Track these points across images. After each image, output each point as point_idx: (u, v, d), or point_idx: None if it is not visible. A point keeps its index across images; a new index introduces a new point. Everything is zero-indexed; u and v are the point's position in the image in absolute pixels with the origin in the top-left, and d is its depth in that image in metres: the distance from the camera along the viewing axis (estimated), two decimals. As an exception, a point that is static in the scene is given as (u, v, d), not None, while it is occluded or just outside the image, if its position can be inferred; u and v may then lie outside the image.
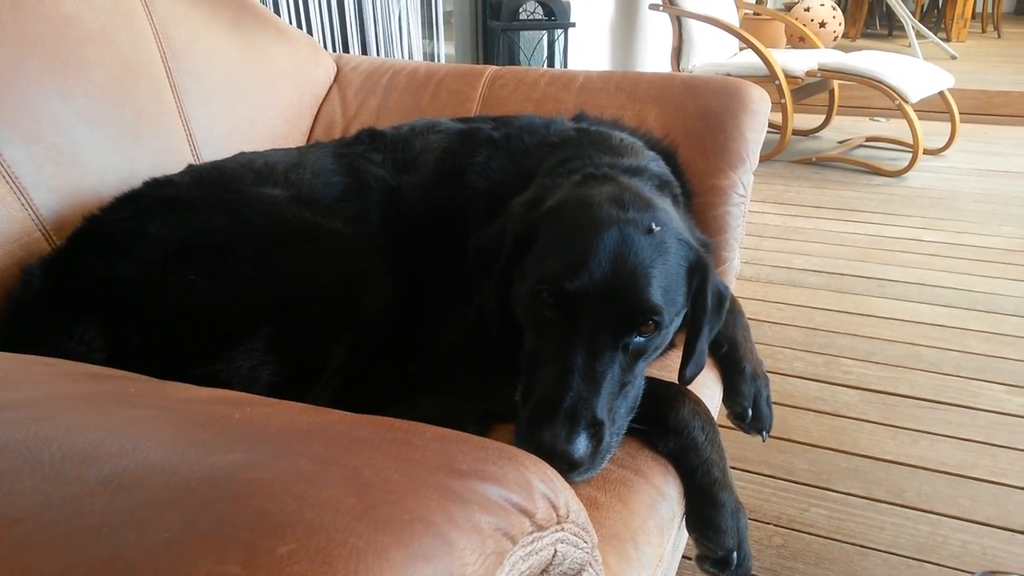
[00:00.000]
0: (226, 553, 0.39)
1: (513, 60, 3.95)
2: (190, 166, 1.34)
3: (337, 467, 0.48)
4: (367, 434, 0.55)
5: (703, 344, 1.09)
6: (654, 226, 0.98)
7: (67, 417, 0.57)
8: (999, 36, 9.51)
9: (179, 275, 1.05)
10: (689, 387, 1.11)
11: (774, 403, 1.33)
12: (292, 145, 1.66)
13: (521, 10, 3.85)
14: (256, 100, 1.70)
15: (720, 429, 1.08)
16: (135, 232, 1.10)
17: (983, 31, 9.81)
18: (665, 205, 1.10)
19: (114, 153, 1.33)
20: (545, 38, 4.05)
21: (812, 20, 7.25)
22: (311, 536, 0.40)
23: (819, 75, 4.73)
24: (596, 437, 0.91)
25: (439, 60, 3.75)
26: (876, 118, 5.98)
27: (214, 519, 0.41)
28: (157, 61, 1.46)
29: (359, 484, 0.46)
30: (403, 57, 3.50)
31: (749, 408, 1.28)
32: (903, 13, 7.53)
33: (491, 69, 1.89)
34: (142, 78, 1.42)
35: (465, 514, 0.47)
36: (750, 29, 5.41)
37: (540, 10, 3.91)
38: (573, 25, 3.98)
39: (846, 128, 5.69)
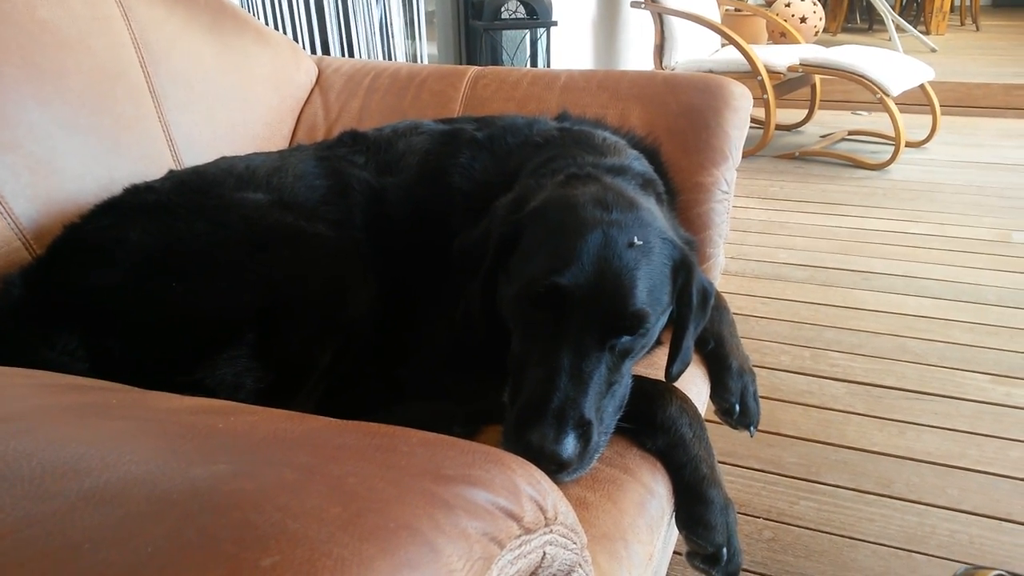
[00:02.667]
0: (209, 567, 0.38)
1: (496, 59, 3.94)
2: (171, 172, 1.33)
3: (321, 476, 0.48)
4: (352, 441, 0.55)
5: (689, 341, 1.09)
6: (636, 240, 0.98)
7: (48, 431, 0.56)
8: (977, 29, 9.59)
9: (161, 282, 1.04)
10: (676, 384, 1.11)
11: (762, 397, 1.34)
12: (274, 149, 1.65)
13: (503, 9, 3.85)
14: (237, 104, 1.68)
15: (708, 425, 1.08)
16: (116, 240, 1.09)
17: (961, 24, 9.90)
18: (649, 204, 1.10)
19: (93, 160, 1.32)
20: (528, 37, 4.05)
21: (793, 16, 7.29)
22: (295, 547, 0.40)
23: (801, 70, 4.75)
24: (584, 437, 0.91)
25: (421, 61, 3.74)
26: (858, 112, 6.02)
27: (196, 532, 0.41)
28: (136, 67, 1.45)
29: (343, 493, 0.46)
30: (385, 58, 3.49)
31: (736, 404, 1.28)
32: (883, 7, 7.58)
33: (473, 69, 1.88)
34: (121, 84, 1.41)
35: (451, 520, 0.47)
36: (732, 25, 5.42)
37: (522, 9, 3.91)
38: (555, 24, 3.99)
39: (828, 122, 5.72)
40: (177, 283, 1.04)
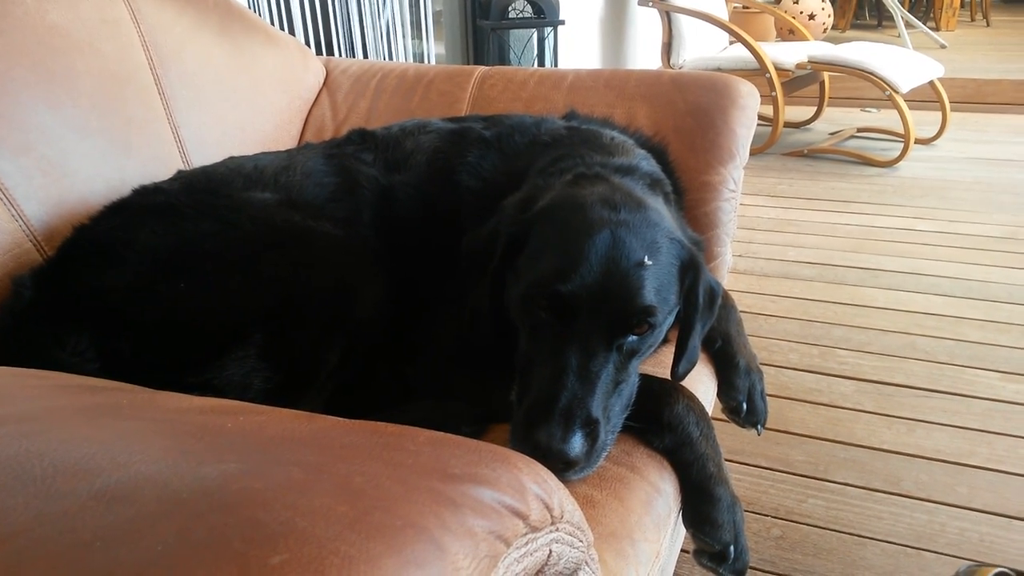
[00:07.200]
0: (219, 565, 0.39)
1: (503, 59, 3.94)
2: (179, 172, 1.34)
3: (329, 475, 0.48)
4: (359, 440, 0.55)
5: (696, 341, 1.09)
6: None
7: (59, 431, 0.57)
8: (988, 24, 9.53)
9: (170, 283, 1.05)
10: (683, 383, 1.11)
11: (770, 395, 1.34)
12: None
13: (510, 8, 3.85)
14: (245, 106, 1.69)
15: (715, 423, 1.09)
16: (125, 241, 1.10)
17: (972, 20, 9.83)
18: (656, 204, 1.10)
19: (103, 162, 1.33)
20: (535, 36, 4.05)
21: (801, 12, 7.27)
22: (303, 545, 0.40)
23: (809, 67, 4.73)
24: (591, 436, 0.91)
25: (429, 60, 3.75)
26: (867, 109, 5.99)
27: (206, 530, 0.41)
28: (145, 69, 1.46)
29: (350, 491, 0.46)
30: (392, 58, 3.50)
31: (743, 402, 1.28)
32: (892, 3, 7.54)
33: (480, 69, 1.89)
34: (130, 87, 1.42)
35: (457, 518, 0.47)
36: (740, 23, 5.41)
37: (529, 8, 3.91)
38: (562, 23, 3.98)
39: (837, 119, 5.70)
40: (186, 284, 1.05)
